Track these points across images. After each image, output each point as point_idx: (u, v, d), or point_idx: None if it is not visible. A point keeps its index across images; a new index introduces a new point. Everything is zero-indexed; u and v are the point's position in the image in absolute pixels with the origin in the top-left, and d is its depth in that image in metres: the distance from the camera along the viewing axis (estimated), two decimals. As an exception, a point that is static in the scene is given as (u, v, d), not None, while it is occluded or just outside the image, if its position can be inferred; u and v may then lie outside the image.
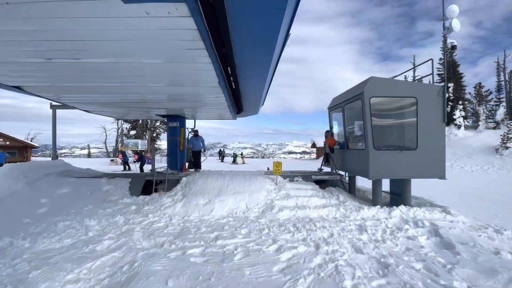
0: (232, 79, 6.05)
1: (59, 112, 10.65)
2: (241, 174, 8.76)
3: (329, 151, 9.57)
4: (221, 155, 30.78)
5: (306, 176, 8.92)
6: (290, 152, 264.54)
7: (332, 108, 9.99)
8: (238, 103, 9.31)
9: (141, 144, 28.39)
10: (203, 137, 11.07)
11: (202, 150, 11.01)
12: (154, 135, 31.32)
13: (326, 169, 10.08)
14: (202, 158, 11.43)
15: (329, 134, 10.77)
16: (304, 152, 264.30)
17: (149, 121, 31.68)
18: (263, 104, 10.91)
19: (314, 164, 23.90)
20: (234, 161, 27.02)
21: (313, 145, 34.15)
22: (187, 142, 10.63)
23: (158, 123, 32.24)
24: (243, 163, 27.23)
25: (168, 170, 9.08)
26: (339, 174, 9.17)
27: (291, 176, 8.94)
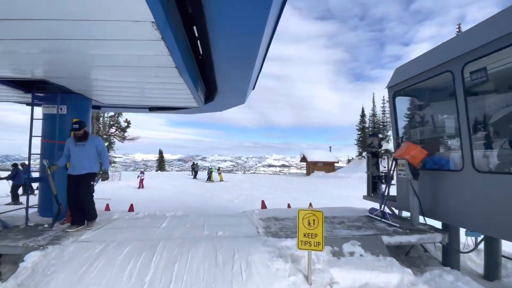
0: (198, 36, 3.12)
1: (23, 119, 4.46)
2: (209, 230, 3.18)
3: (390, 171, 4.43)
4: (194, 170, 24.68)
5: (368, 237, 3.57)
6: (269, 165, 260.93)
7: (400, 86, 4.89)
8: (210, 79, 4.03)
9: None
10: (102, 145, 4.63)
11: (99, 173, 4.51)
12: (106, 143, 24.54)
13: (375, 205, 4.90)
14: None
15: (375, 138, 5.76)
16: (283, 166, 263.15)
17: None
18: (253, 88, 6.04)
19: (310, 182, 18.92)
20: (209, 178, 21.08)
21: (303, 159, 29.45)
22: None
23: (111, 122, 25.53)
24: (221, 180, 21.35)
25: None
26: (438, 230, 3.96)
27: (331, 227, 3.58)
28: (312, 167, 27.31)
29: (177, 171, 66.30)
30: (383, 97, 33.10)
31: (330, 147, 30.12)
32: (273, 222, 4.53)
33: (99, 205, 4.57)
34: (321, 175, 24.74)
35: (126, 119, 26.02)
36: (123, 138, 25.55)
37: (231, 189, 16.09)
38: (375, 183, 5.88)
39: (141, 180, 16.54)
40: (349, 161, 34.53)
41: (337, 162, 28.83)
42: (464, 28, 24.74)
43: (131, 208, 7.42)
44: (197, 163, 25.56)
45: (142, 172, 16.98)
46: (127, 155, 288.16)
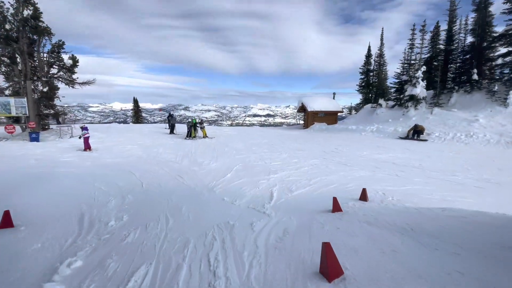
0: None
1: None
2: None
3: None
4: (170, 123, 19.42)
5: None
6: (255, 115, 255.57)
7: None
8: None
9: (17, 105, 15.38)
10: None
11: None
12: (45, 88, 17.93)
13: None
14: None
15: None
16: (268, 115, 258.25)
17: (35, 57, 18.05)
18: None
19: (317, 138, 14.60)
20: (189, 135, 16.15)
21: (301, 109, 24.60)
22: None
23: (51, 59, 18.57)
24: (204, 136, 16.53)
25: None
26: None
27: None
28: (312, 118, 22.85)
29: (154, 123, 59.91)
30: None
31: (334, 93, 25.24)
32: None
33: None
34: (324, 128, 20.54)
35: (72, 55, 18.95)
36: (71, 82, 18.95)
37: (220, 152, 11.45)
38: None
39: (86, 140, 11.34)
40: (350, 110, 30.27)
41: (342, 112, 24.45)
42: None
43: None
44: (173, 114, 20.10)
45: (84, 128, 11.61)
46: (104, 104, 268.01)
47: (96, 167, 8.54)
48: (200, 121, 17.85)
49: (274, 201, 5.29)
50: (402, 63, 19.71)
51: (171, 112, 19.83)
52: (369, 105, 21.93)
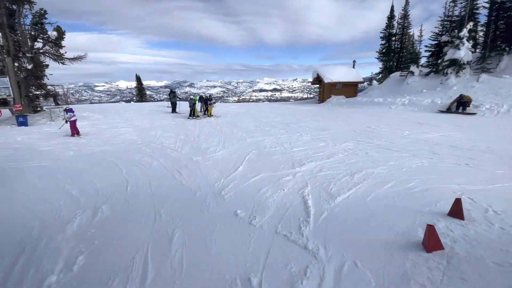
0: None
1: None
2: None
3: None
4: (171, 102, 17.45)
5: None
6: (261, 90, 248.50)
7: None
8: None
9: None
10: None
11: None
12: (30, 66, 15.94)
13: None
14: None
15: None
16: (274, 90, 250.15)
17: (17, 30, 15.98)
18: None
19: (339, 114, 12.48)
20: (192, 114, 14.27)
21: (316, 80, 21.65)
22: None
23: (34, 32, 16.40)
24: (210, 115, 14.64)
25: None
26: None
27: None
28: (328, 90, 20.24)
29: (160, 101, 57.89)
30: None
31: (354, 62, 21.97)
32: None
33: None
34: (344, 102, 18.08)
35: (57, 26, 16.62)
36: (59, 57, 16.86)
37: (228, 135, 9.58)
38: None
39: (72, 124, 9.64)
40: (370, 80, 27.22)
41: (362, 82, 21.57)
42: None
43: None
44: (175, 91, 18.00)
45: (69, 110, 9.80)
46: (110, 83, 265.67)
47: (78, 158, 6.87)
48: (208, 97, 15.76)
49: (313, 217, 3.47)
50: (441, 20, 16.39)
51: (173, 89, 17.73)
52: (397, 74, 19.00)
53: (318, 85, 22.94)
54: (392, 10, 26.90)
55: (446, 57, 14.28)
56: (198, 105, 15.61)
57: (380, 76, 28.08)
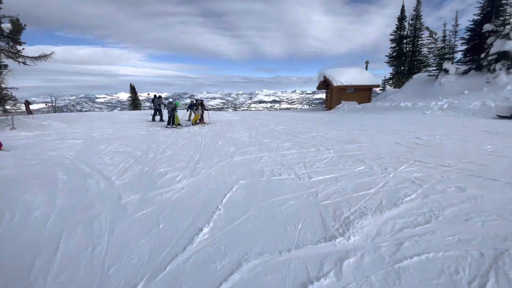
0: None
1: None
2: None
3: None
4: (156, 109, 14.32)
5: None
6: (260, 102, 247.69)
7: None
8: None
9: None
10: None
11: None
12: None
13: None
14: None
15: None
16: (274, 101, 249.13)
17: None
18: None
19: (359, 124, 8.93)
20: (171, 122, 11.15)
21: (323, 84, 18.50)
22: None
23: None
24: (194, 122, 11.57)
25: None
26: None
27: None
28: (337, 95, 17.20)
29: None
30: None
31: (367, 62, 18.95)
32: None
33: None
34: (359, 108, 14.92)
35: (14, 17, 13.78)
36: (15, 54, 13.90)
37: (208, 150, 6.38)
38: None
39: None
40: (385, 83, 24.21)
41: (378, 86, 18.51)
42: None
43: None
44: (159, 96, 14.92)
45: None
46: (110, 95, 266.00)
47: None
48: (197, 102, 12.68)
49: None
50: (480, 5, 13.42)
51: (157, 95, 14.68)
52: (422, 74, 15.93)
53: (325, 90, 19.89)
54: (402, 11, 24.42)
55: (493, 50, 11.32)
56: (187, 113, 12.53)
57: (392, 81, 25.23)
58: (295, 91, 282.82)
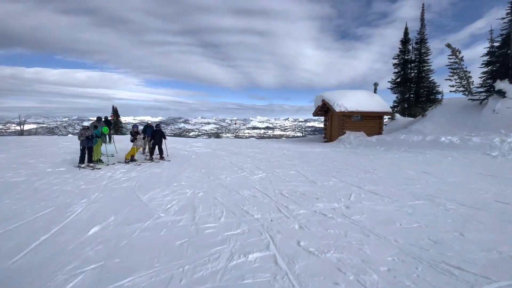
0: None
1: None
2: None
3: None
4: (85, 137, 9.65)
5: None
6: (254, 128, 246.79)
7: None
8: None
9: None
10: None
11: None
12: None
13: None
14: None
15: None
16: (267, 128, 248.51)
17: None
18: None
19: (389, 174, 4.42)
20: (84, 160, 6.49)
21: (321, 110, 14.52)
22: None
23: None
24: (127, 158, 6.94)
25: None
26: None
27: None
28: (341, 123, 13.22)
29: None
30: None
31: (376, 84, 15.27)
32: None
33: None
34: (375, 141, 10.74)
35: None
36: None
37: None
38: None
39: None
40: (392, 114, 20.74)
41: (391, 114, 14.59)
42: None
43: None
44: (101, 118, 10.50)
45: None
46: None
47: None
48: (134, 130, 8.33)
49: None
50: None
51: (101, 117, 10.34)
52: (459, 98, 12.18)
53: (323, 117, 16.01)
54: (406, 33, 21.92)
55: None
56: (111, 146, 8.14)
57: (397, 108, 21.87)
58: (288, 118, 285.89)
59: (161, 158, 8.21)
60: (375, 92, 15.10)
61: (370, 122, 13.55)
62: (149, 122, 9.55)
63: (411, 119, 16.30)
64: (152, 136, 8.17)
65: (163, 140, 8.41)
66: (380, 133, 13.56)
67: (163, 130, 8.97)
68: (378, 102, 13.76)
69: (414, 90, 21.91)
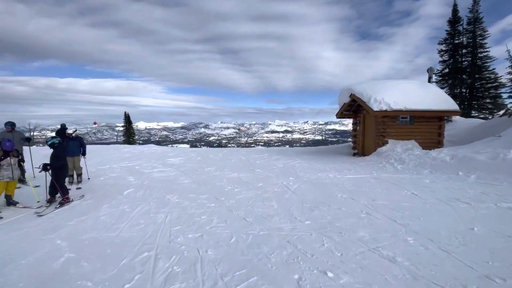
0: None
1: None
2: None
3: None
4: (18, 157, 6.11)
5: None
6: (273, 132, 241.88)
7: None
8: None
9: None
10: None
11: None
12: None
13: None
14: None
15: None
16: (286, 131, 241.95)
17: None
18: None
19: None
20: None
21: (349, 109, 10.10)
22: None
23: None
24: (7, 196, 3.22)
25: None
26: None
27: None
28: (381, 128, 8.82)
29: (153, 143, 48.50)
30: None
31: (430, 69, 10.42)
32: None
33: None
34: (451, 162, 6.29)
35: None
36: None
37: None
38: None
39: None
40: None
41: (459, 113, 9.55)
42: None
43: None
44: (13, 125, 6.76)
45: None
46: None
47: None
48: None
49: None
50: None
51: (12, 121, 6.85)
52: None
53: (353, 119, 11.44)
54: (455, 11, 16.67)
55: None
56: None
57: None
58: (307, 121, 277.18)
59: (64, 199, 4.46)
60: (429, 81, 10.25)
61: (424, 126, 8.89)
62: (68, 129, 5.94)
63: (481, 121, 11.30)
64: (53, 155, 4.44)
65: (80, 158, 4.77)
66: (440, 142, 8.84)
67: (81, 137, 5.31)
68: (436, 95, 9.04)
69: (468, 83, 16.51)
